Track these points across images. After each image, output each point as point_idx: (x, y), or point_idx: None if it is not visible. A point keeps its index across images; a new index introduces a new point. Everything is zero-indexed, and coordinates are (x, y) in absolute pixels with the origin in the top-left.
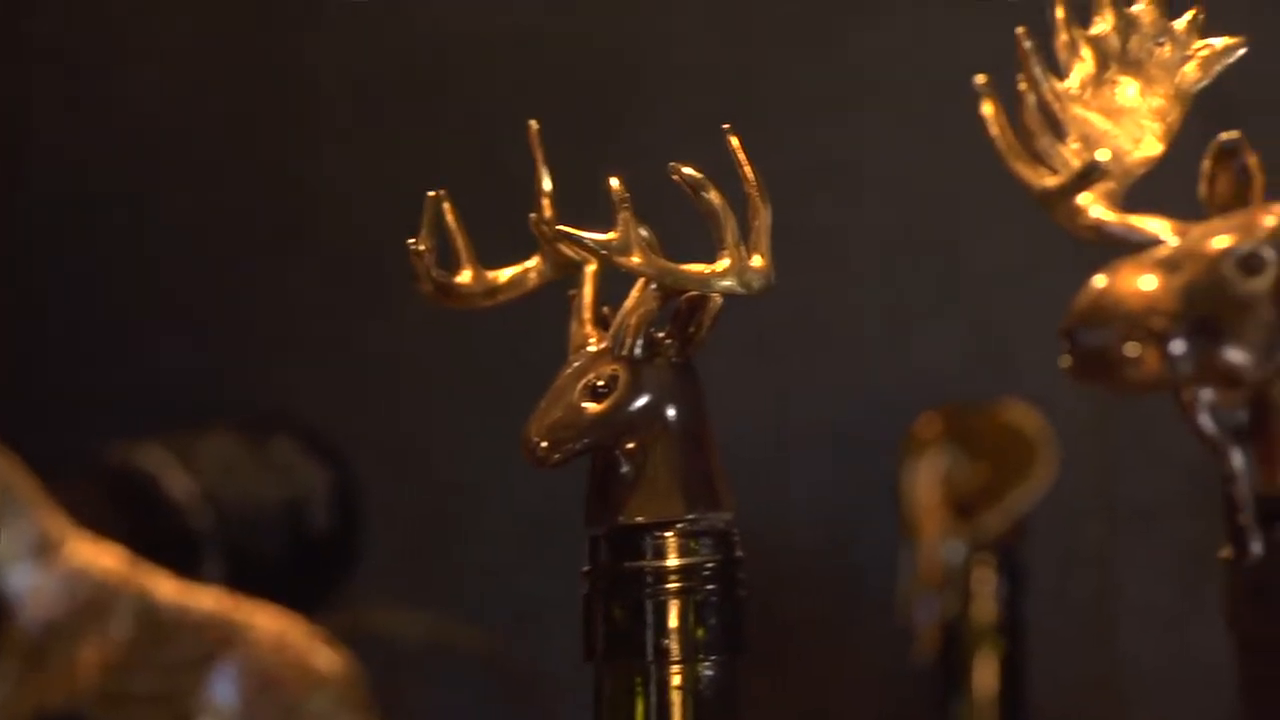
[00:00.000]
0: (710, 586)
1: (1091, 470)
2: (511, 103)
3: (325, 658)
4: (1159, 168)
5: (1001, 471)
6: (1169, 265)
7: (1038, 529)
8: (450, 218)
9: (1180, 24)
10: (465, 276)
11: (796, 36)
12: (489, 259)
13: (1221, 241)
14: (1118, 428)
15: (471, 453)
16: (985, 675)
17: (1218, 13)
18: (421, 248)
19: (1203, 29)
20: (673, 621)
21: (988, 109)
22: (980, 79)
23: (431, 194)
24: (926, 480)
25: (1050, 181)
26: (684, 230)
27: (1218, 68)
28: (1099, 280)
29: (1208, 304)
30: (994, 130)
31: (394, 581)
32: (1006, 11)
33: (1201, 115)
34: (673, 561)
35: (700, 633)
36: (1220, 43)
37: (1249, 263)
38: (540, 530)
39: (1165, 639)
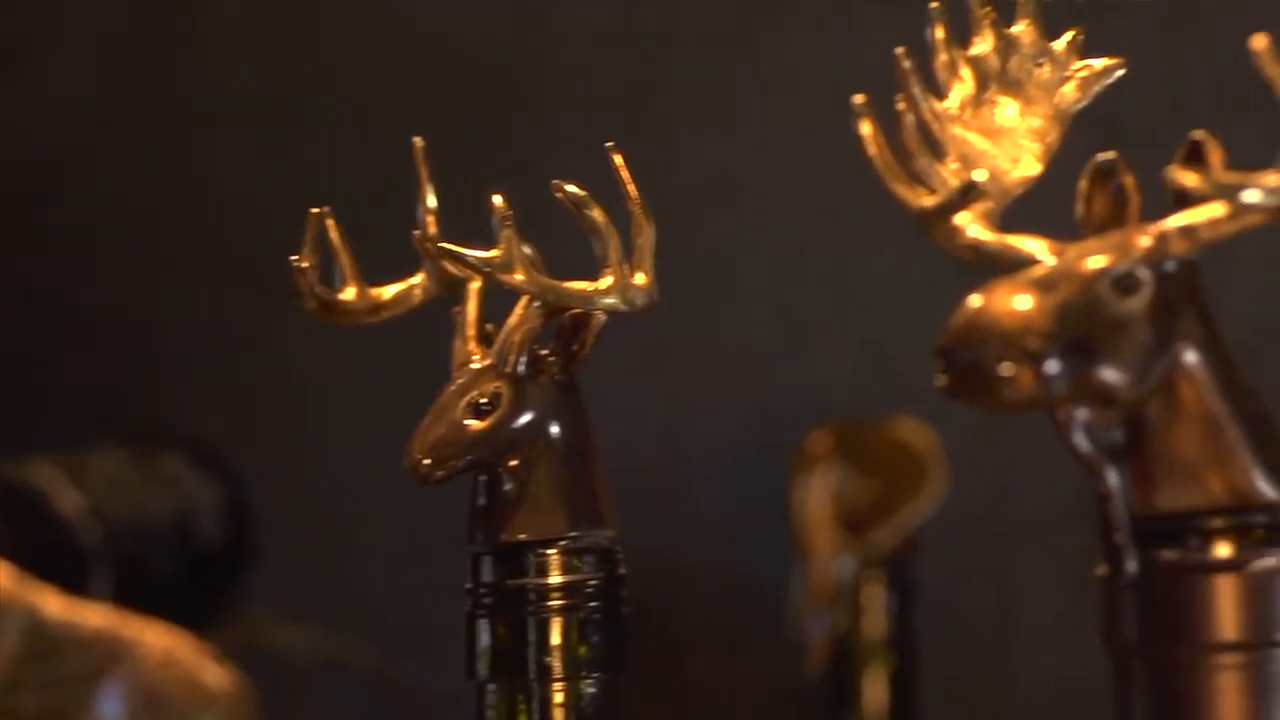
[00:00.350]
0: (593, 604)
1: (983, 486)
2: (400, 118)
3: (214, 674)
4: (1046, 188)
5: (892, 487)
6: (1044, 285)
7: (929, 545)
8: (334, 234)
9: (1060, 45)
10: (349, 293)
11: (691, 52)
12: (377, 275)
13: (1097, 262)
14: (1009, 443)
15: (362, 468)
16: (875, 690)
17: (1103, 34)
18: (304, 264)
19: (1082, 50)
20: (555, 639)
21: (866, 128)
22: (858, 99)
23: (314, 210)
24: (817, 496)
25: (928, 201)
26: (584, 245)
27: (1097, 88)
28: (974, 300)
29: (1082, 324)
30: (872, 150)
31: (284, 597)
32: (900, 30)
33: (1088, 136)
34: (555, 579)
35: (583, 650)
36: (1099, 64)
37: (1124, 283)
38: (431, 546)
39: (1057, 654)
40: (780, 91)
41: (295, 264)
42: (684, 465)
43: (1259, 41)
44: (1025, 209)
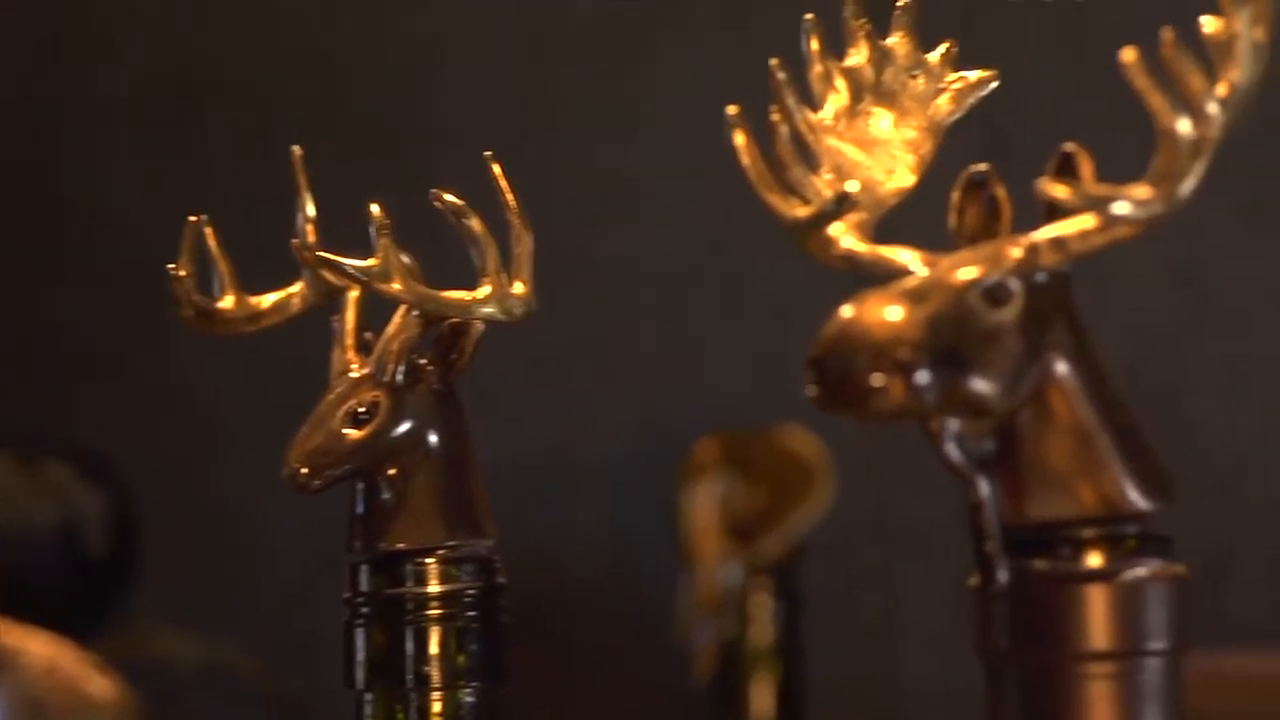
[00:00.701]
0: (471, 613)
1: (870, 493)
2: (284, 125)
3: (98, 684)
4: (927, 200)
5: (779, 496)
6: (916, 296)
7: (817, 552)
8: (212, 242)
9: (934, 57)
10: (227, 302)
11: (581, 61)
12: (260, 283)
13: (968, 273)
14: (896, 451)
15: (248, 477)
16: (762, 698)
17: (985, 48)
18: (182, 273)
19: (956, 62)
20: (433, 648)
21: (739, 139)
22: (732, 110)
23: (192, 219)
24: (704, 504)
25: (801, 212)
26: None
27: (971, 100)
28: (845, 311)
29: (953, 335)
30: (745, 160)
31: (169, 606)
32: (791, 42)
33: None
34: (434, 588)
35: (461, 659)
36: (974, 75)
37: (995, 293)
38: (316, 555)
39: (943, 661)
40: (671, 101)
41: (172, 273)
42: (571, 473)
43: (1128, 55)
44: (917, 220)
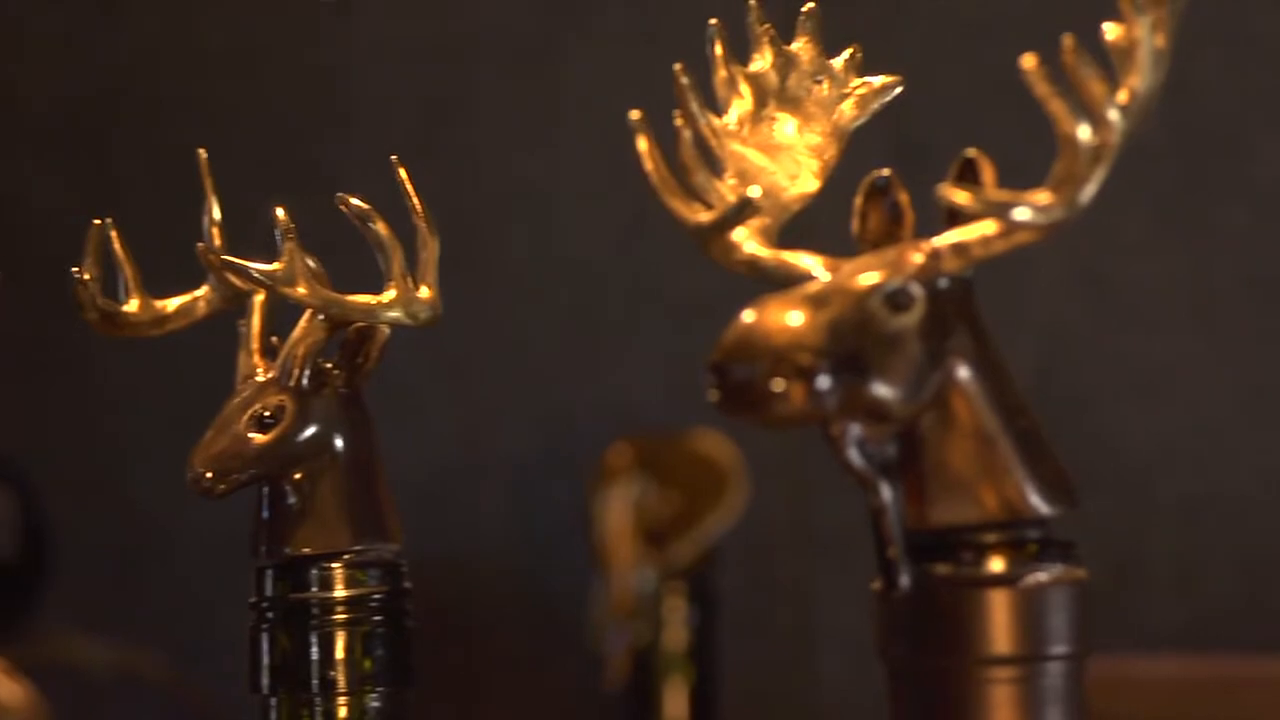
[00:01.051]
0: (378, 618)
1: (786, 498)
2: (194, 128)
3: (7, 688)
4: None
5: (693, 500)
6: (817, 301)
7: (731, 557)
8: (117, 245)
9: (838, 62)
10: (132, 305)
11: (493, 66)
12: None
13: (870, 278)
14: (811, 455)
15: (160, 480)
16: (676, 702)
17: (898, 54)
18: (86, 276)
19: (861, 67)
20: (339, 653)
21: (642, 144)
22: (635, 114)
23: (96, 222)
24: (618, 509)
25: (704, 217)
26: None
27: (875, 106)
28: (747, 315)
29: (854, 339)
30: (648, 165)
31: (80, 611)
32: (700, 47)
33: (888, 154)
34: (340, 593)
35: (367, 664)
36: (878, 81)
37: (896, 299)
38: (229, 559)
39: (858, 665)
40: (582, 105)
41: (76, 276)
42: (483, 477)
43: (1028, 61)
44: (835, 224)
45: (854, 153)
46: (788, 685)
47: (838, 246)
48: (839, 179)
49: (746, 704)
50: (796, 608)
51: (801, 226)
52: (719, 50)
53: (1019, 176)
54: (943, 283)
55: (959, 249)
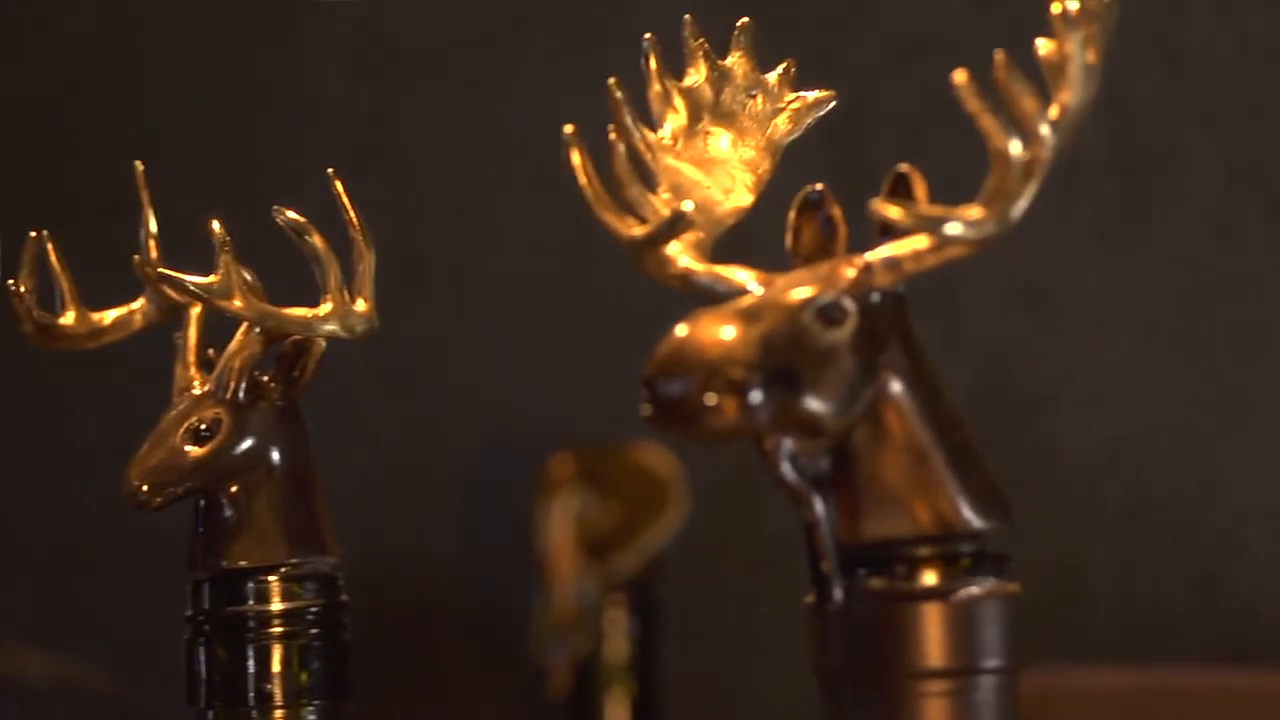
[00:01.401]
0: (314, 631)
1: (729, 509)
2: (134, 140)
3: None
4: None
5: (634, 511)
6: (749, 315)
7: (674, 568)
8: (53, 258)
9: (773, 77)
10: (69, 318)
11: (435, 76)
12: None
13: (802, 292)
14: (754, 465)
15: (98, 491)
16: (618, 714)
17: (838, 69)
18: (22, 289)
19: (795, 82)
20: (276, 666)
21: (575, 158)
22: (568, 129)
23: (33, 234)
24: (559, 520)
25: (637, 231)
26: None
27: (810, 120)
28: (679, 329)
29: (787, 354)
30: (581, 179)
31: (20, 623)
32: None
33: (828, 168)
34: (276, 606)
35: (304, 677)
36: (812, 96)
37: (829, 313)
38: (167, 571)
39: (802, 676)
40: (525, 117)
41: (12, 288)
42: (424, 487)
43: (959, 77)
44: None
45: (794, 167)
46: (730, 696)
47: (776, 261)
48: (780, 193)
49: (688, 715)
50: (739, 619)
51: (738, 241)
52: (653, 64)
53: (959, 190)
54: (875, 297)
55: (891, 264)
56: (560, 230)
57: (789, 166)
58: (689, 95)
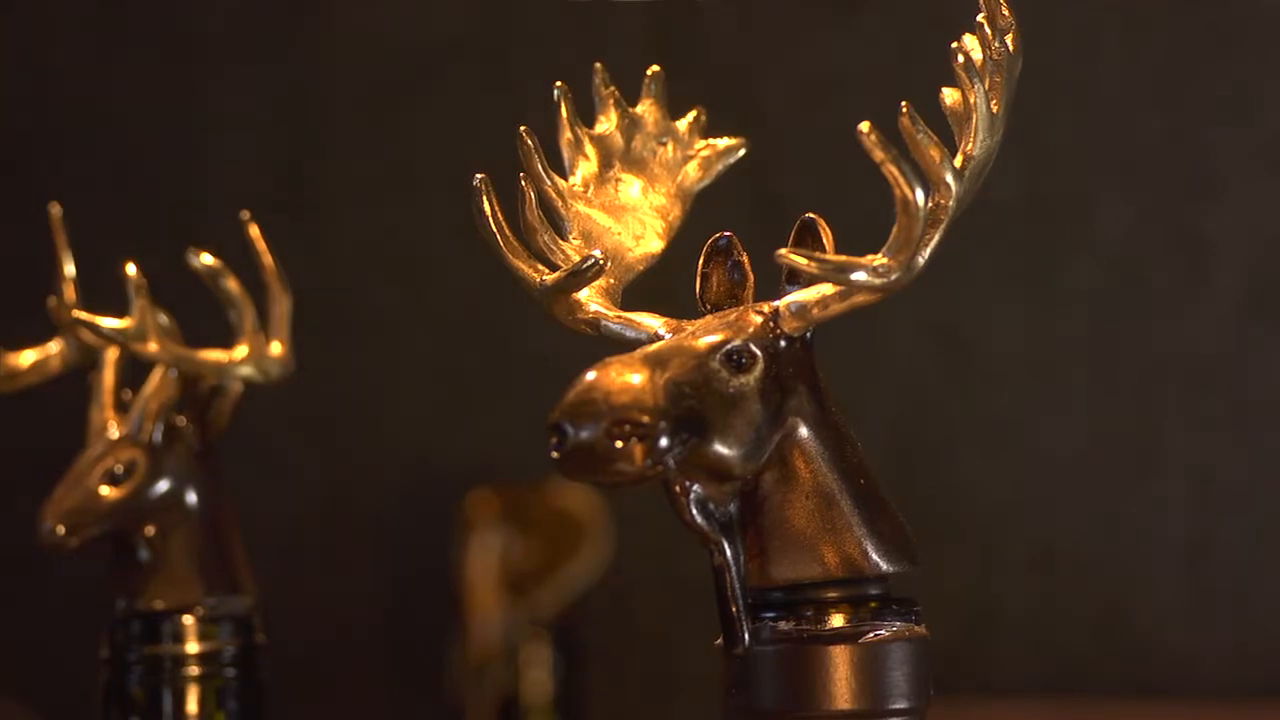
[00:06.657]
0: (230, 671)
1: (650, 547)
2: (50, 184)
3: None
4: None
5: (555, 549)
6: (658, 360)
7: (596, 606)
8: None
9: (683, 125)
10: None
11: (351, 122)
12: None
13: (710, 338)
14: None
15: (14, 534)
16: None
17: (758, 114)
18: None
19: (704, 130)
20: (192, 706)
21: (485, 206)
22: (478, 177)
23: None
24: (480, 558)
25: (548, 278)
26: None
27: (720, 167)
28: (587, 375)
29: (694, 399)
30: (490, 227)
31: None
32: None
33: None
34: (192, 647)
35: (220, 717)
36: (722, 143)
37: (736, 358)
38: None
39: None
40: (442, 160)
41: None
42: (345, 526)
43: (864, 126)
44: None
45: (715, 210)
46: None
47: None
48: (697, 238)
49: None
50: (659, 657)
51: (658, 286)
52: (564, 112)
53: (879, 228)
54: (783, 343)
55: (798, 310)
56: (477, 270)
57: (707, 209)
58: (600, 142)
